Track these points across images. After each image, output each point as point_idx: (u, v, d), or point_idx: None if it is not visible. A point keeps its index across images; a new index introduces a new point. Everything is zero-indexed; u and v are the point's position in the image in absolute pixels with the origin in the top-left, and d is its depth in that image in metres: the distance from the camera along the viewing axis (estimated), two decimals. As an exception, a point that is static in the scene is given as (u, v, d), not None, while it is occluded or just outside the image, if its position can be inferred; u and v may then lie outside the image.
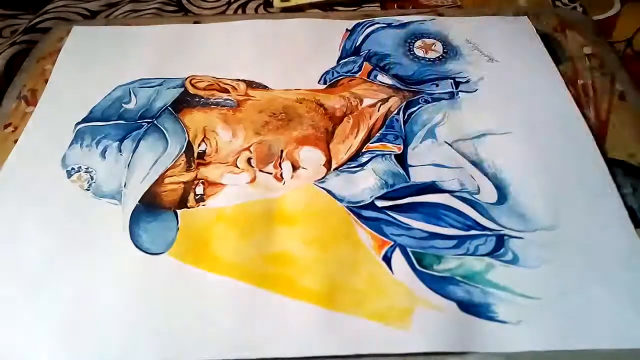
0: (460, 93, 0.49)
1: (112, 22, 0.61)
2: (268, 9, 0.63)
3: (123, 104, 0.49)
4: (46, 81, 0.52)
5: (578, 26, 0.56)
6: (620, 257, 0.38)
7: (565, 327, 0.35)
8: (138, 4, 0.64)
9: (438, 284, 0.37)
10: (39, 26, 0.60)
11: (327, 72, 0.52)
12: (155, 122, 0.47)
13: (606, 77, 0.51)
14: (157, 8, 0.63)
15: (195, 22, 0.58)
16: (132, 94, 0.50)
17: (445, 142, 0.45)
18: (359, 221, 0.40)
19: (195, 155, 0.45)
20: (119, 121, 0.48)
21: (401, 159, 0.44)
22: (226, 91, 0.50)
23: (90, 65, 0.54)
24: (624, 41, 0.56)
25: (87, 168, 0.45)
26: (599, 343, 0.34)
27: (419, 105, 0.48)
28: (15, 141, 0.47)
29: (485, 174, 0.43)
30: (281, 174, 0.44)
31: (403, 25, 0.56)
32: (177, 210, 0.42)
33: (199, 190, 0.43)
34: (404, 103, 0.48)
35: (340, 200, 0.42)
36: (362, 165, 0.44)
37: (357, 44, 0.54)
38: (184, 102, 0.49)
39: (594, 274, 0.37)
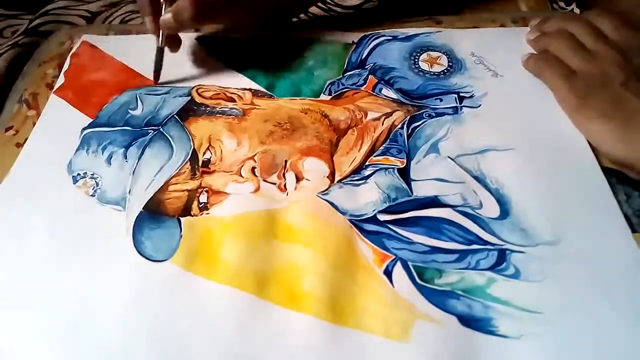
0: (464, 108, 0.49)
1: (113, 25, 0.61)
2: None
3: (129, 110, 0.50)
4: (47, 85, 0.53)
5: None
6: (622, 272, 0.38)
7: (567, 342, 0.35)
8: (138, 5, 0.64)
9: (439, 298, 0.37)
10: (40, 29, 0.60)
11: (332, 83, 0.52)
12: (161, 129, 0.48)
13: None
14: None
15: (196, 30, 0.58)
16: (138, 100, 0.50)
17: (449, 157, 0.45)
18: (360, 234, 0.40)
19: (200, 163, 0.45)
20: (125, 127, 0.48)
21: (404, 173, 0.44)
22: (232, 100, 0.51)
23: (96, 71, 0.54)
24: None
25: (93, 174, 0.45)
26: (601, 358, 0.34)
27: (423, 120, 0.48)
28: (17, 144, 0.48)
29: (488, 189, 0.43)
30: (285, 185, 0.44)
31: (408, 38, 0.56)
32: (181, 218, 0.42)
33: (203, 198, 0.43)
34: (408, 117, 0.49)
35: (343, 213, 0.42)
36: (365, 178, 0.44)
37: (363, 56, 0.54)
38: (190, 110, 0.49)
39: (596, 288, 0.37)
